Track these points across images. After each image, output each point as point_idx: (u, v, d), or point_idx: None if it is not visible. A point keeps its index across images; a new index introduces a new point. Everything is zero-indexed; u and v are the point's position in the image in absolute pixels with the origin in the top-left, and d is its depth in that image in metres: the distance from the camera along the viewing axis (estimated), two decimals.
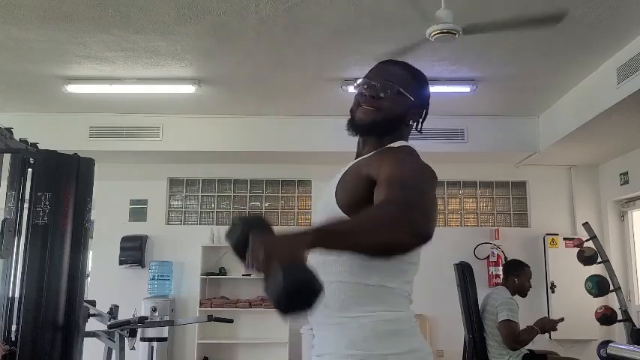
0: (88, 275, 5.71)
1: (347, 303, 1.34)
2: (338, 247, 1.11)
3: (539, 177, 6.92)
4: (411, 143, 1.51)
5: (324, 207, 1.44)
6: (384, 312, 1.33)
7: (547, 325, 4.23)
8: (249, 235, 1.06)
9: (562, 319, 4.35)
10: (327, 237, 1.08)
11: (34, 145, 3.29)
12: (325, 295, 1.37)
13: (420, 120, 1.56)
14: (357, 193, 1.35)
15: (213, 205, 7.02)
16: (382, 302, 1.34)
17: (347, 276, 1.35)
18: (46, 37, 4.25)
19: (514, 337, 3.93)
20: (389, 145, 1.46)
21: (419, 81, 1.55)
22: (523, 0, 3.69)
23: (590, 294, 4.92)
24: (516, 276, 4.14)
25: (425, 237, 1.14)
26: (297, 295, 1.04)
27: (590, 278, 4.91)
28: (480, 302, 4.24)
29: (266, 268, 1.03)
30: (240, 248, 1.10)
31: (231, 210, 6.99)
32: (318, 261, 1.41)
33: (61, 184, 3.17)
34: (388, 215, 1.12)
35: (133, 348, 3.83)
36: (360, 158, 1.47)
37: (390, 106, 1.45)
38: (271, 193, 7.02)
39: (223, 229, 6.92)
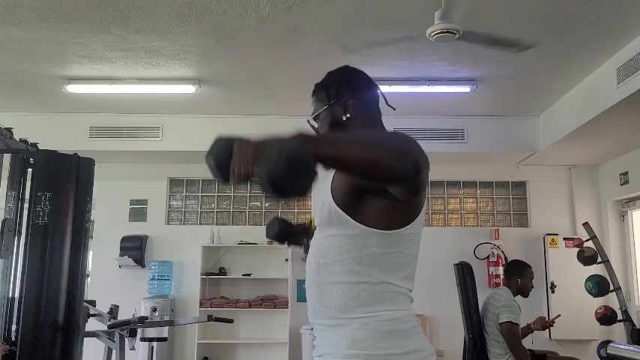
0: (88, 275, 5.72)
1: (349, 304, 1.34)
2: (326, 151, 1.07)
3: (539, 177, 6.92)
4: None
5: (320, 201, 1.44)
6: (386, 311, 1.33)
7: (545, 323, 4.42)
8: (231, 147, 1.01)
9: (559, 316, 4.65)
10: (315, 141, 1.05)
11: (34, 145, 3.28)
12: (327, 297, 1.38)
13: (351, 104, 1.53)
14: (349, 184, 1.35)
15: (213, 205, 7.02)
16: (384, 302, 1.34)
17: (348, 276, 1.34)
18: (46, 37, 4.25)
19: (516, 339, 3.93)
20: None
21: (322, 89, 1.59)
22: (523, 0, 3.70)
23: (590, 294, 4.92)
24: (519, 276, 4.14)
25: (416, 166, 1.14)
26: (295, 168, 0.97)
27: (590, 278, 4.91)
28: (480, 302, 4.25)
29: (255, 159, 0.99)
30: (223, 161, 1.02)
31: (231, 210, 7.00)
32: (318, 263, 1.42)
33: (61, 184, 3.17)
34: (380, 138, 1.16)
35: (133, 348, 3.83)
36: None
37: (325, 131, 1.56)
38: None
39: (223, 229, 6.93)
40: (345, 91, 1.54)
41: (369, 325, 1.31)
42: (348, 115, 1.51)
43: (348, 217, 1.35)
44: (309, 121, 1.62)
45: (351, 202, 1.35)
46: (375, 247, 1.34)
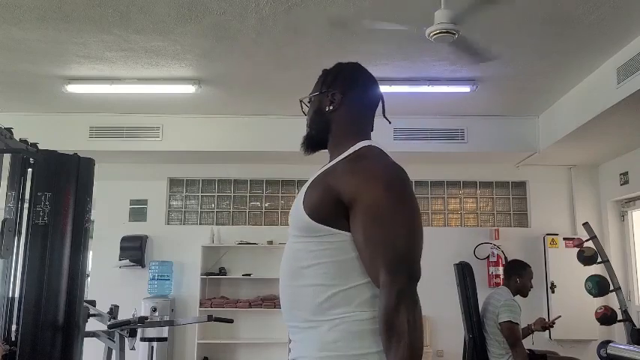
0: (88, 275, 5.72)
1: (322, 307, 1.32)
2: None
3: (539, 177, 6.93)
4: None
5: (293, 212, 1.43)
6: (359, 312, 1.31)
7: (545, 324, 4.44)
8: None
9: (559, 317, 4.70)
10: None
11: (34, 145, 3.28)
12: (300, 300, 1.36)
13: (337, 98, 1.54)
14: (324, 208, 1.34)
15: (213, 205, 7.02)
16: (359, 303, 1.32)
17: (323, 280, 1.33)
18: (46, 37, 4.25)
19: (515, 338, 3.94)
20: (348, 153, 1.45)
21: (323, 75, 1.62)
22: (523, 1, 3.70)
23: (590, 294, 4.92)
24: (519, 276, 4.15)
25: (417, 279, 1.29)
26: None
27: (590, 278, 4.91)
28: (480, 302, 4.25)
29: None
30: None
31: (231, 210, 7.00)
32: (292, 267, 1.40)
33: (61, 184, 3.17)
34: (398, 326, 1.22)
35: (133, 348, 3.83)
36: (328, 165, 1.47)
37: (309, 116, 1.62)
38: (271, 193, 7.03)
39: (223, 229, 6.95)
40: (338, 85, 1.55)
41: (339, 326, 1.30)
42: (331, 108, 1.54)
43: (326, 227, 1.34)
44: (301, 101, 1.65)
45: (328, 213, 1.34)
46: (355, 251, 1.33)
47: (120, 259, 6.59)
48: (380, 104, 1.61)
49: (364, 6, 3.74)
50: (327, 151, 1.58)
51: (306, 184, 1.43)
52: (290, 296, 1.40)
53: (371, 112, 1.59)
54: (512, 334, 3.93)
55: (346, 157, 1.43)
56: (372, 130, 1.56)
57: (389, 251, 1.27)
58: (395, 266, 1.25)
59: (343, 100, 1.53)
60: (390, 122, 1.67)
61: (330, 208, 1.34)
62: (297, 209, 1.39)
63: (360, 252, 1.32)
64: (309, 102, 1.63)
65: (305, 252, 1.38)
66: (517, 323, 3.94)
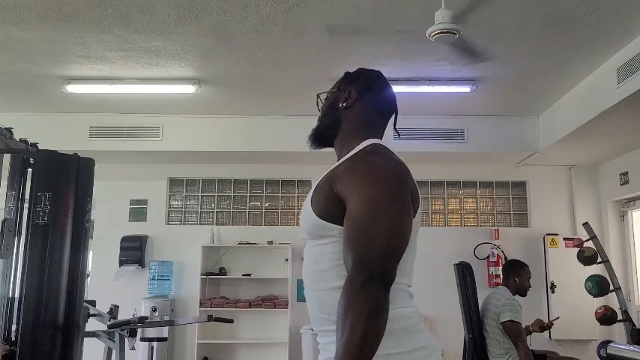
0: (88, 275, 5.72)
1: None
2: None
3: (539, 177, 6.93)
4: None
5: (302, 215, 1.44)
6: None
7: (542, 325, 4.47)
8: None
9: (557, 318, 4.76)
10: None
11: (34, 145, 3.28)
12: (327, 304, 1.35)
13: (352, 96, 1.56)
14: (329, 207, 1.36)
15: (213, 205, 7.02)
16: None
17: (343, 280, 1.32)
18: (46, 37, 4.25)
19: (518, 337, 3.94)
20: (354, 151, 1.46)
21: (345, 76, 1.65)
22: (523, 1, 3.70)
23: (590, 294, 4.93)
24: (517, 275, 4.16)
25: (386, 278, 1.21)
26: None
27: (590, 278, 4.91)
28: (480, 302, 4.25)
29: None
30: None
31: (231, 210, 7.00)
32: (313, 271, 1.40)
33: (61, 184, 3.17)
34: (352, 312, 1.17)
35: (133, 348, 3.83)
36: (335, 165, 1.47)
37: (322, 110, 1.64)
38: (271, 193, 7.03)
39: (223, 229, 6.93)
40: (357, 86, 1.58)
41: None
42: (345, 105, 1.56)
43: (337, 225, 1.34)
44: (318, 96, 1.68)
45: (335, 211, 1.34)
46: None
47: (120, 266, 6.56)
48: (393, 116, 1.63)
49: (364, 6, 3.74)
50: (332, 150, 1.58)
51: (314, 186, 1.44)
52: (315, 300, 1.40)
53: (382, 120, 1.59)
54: (515, 332, 3.94)
55: (351, 155, 1.44)
56: (380, 139, 1.56)
57: (362, 249, 1.24)
58: (365, 265, 1.22)
59: (358, 100, 1.55)
60: (399, 135, 1.68)
61: (335, 207, 1.34)
62: (306, 211, 1.40)
63: (343, 247, 1.30)
64: (325, 99, 1.65)
65: (322, 254, 1.38)
66: (519, 322, 3.95)
